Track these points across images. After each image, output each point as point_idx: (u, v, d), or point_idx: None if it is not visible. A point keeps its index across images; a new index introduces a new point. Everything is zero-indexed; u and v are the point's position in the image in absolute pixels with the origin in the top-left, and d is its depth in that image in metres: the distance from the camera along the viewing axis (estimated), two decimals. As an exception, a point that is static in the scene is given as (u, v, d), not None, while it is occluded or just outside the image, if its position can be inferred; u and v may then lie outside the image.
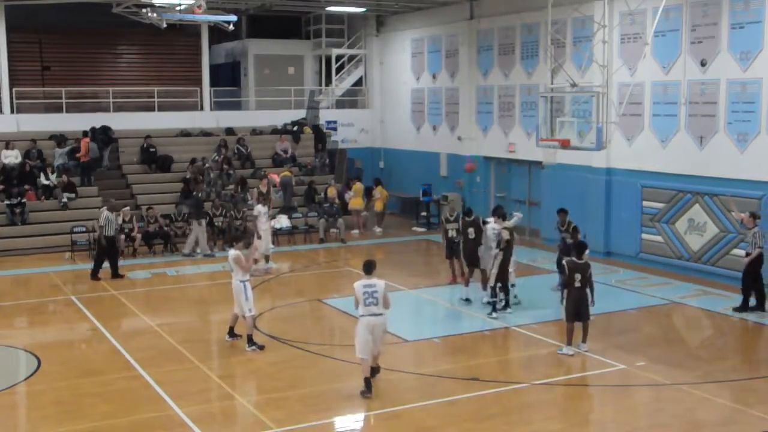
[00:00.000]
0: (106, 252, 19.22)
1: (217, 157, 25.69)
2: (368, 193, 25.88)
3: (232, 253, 13.67)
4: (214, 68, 30.10)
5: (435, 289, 17.28)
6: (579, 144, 18.29)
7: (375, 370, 11.89)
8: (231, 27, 24.76)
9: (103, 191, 24.30)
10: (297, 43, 31.94)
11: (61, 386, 12.14)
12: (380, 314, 11.55)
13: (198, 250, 21.54)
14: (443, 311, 16.12)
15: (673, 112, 19.08)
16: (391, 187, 27.63)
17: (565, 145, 17.93)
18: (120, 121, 26.26)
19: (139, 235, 21.71)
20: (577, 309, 13.38)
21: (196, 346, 14.04)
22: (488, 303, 15.83)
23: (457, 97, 26.40)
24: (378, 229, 25.27)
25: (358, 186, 25.27)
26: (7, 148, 23.98)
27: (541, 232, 23.16)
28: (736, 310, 15.77)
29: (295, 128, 28.43)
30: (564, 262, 13.82)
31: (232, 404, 11.54)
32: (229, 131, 27.68)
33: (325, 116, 29.86)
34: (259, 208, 19.79)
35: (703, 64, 18.31)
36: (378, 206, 25.49)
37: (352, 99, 31.52)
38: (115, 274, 19.22)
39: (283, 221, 23.65)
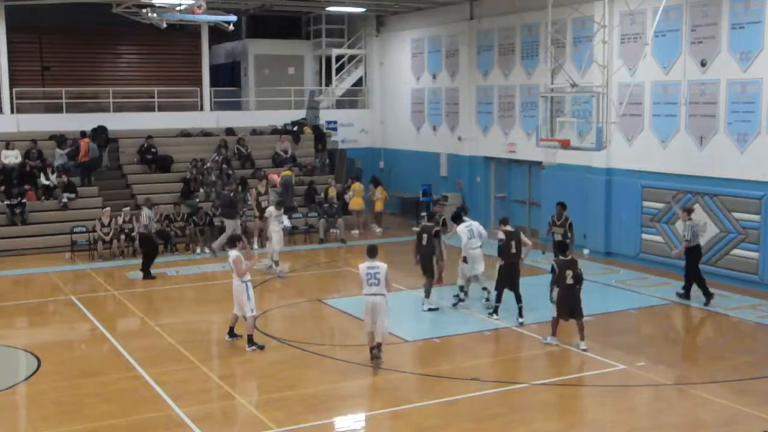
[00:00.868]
0: (147, 250, 19.23)
1: (217, 158, 25.69)
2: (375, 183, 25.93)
3: (233, 254, 13.68)
4: (214, 68, 30.09)
5: (434, 289, 17.22)
6: (579, 144, 18.31)
7: (378, 345, 12.78)
8: (231, 27, 24.74)
9: (103, 191, 24.32)
10: (297, 43, 31.94)
11: (61, 386, 12.15)
12: (382, 294, 12.57)
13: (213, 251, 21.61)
14: (443, 311, 16.10)
15: (673, 112, 19.08)
16: (391, 187, 27.63)
17: (565, 145, 17.95)
18: (120, 122, 26.25)
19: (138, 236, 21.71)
20: (571, 307, 13.46)
21: (196, 346, 14.04)
22: (429, 310, 16.00)
23: (457, 97, 26.40)
24: (378, 229, 25.27)
25: (358, 186, 25.26)
26: (7, 148, 23.97)
27: (540, 233, 23.10)
28: (679, 295, 16.72)
29: (295, 128, 28.42)
30: (553, 261, 13.89)
31: (232, 404, 11.54)
32: (229, 131, 27.68)
33: (325, 116, 29.86)
34: (271, 210, 19.55)
35: (703, 64, 18.31)
36: (378, 206, 25.50)
37: (352, 99, 31.52)
38: (147, 274, 19.21)
39: (284, 221, 23.62)
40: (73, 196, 23.54)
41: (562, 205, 17.70)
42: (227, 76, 31.96)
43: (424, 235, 15.83)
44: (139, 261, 20.21)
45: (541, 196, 23.19)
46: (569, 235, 17.17)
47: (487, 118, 25.39)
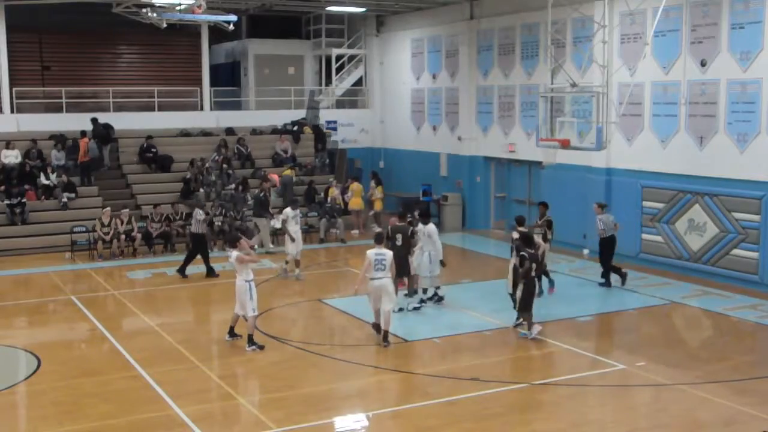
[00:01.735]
0: (198, 249, 19.19)
1: (217, 157, 25.69)
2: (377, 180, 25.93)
3: (234, 253, 13.69)
4: (214, 68, 30.09)
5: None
6: (579, 144, 18.33)
7: (385, 333, 13.71)
8: (231, 27, 24.75)
9: (103, 191, 24.32)
10: (297, 43, 31.93)
11: (60, 386, 12.14)
12: (387, 278, 13.70)
13: (262, 246, 21.66)
14: (443, 311, 16.11)
15: (673, 112, 19.08)
16: (391, 187, 27.62)
17: (565, 145, 17.95)
18: (120, 121, 26.23)
19: (139, 235, 21.73)
20: (532, 298, 13.94)
21: (195, 346, 14.04)
22: (415, 308, 16.02)
23: (457, 97, 26.40)
24: (378, 229, 25.22)
25: (356, 186, 25.25)
26: (7, 147, 23.97)
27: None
28: (600, 284, 17.74)
29: (295, 128, 28.42)
30: (523, 253, 14.11)
31: (231, 404, 11.53)
32: (229, 131, 27.68)
33: (325, 116, 29.86)
34: (288, 212, 19.15)
35: (703, 64, 18.31)
36: (377, 206, 25.49)
37: (352, 99, 31.52)
38: (211, 272, 19.16)
39: (274, 222, 23.62)
40: (73, 195, 23.54)
41: (544, 205, 17.71)
42: (227, 76, 31.96)
43: (399, 235, 15.83)
44: (139, 261, 20.28)
45: (541, 196, 23.12)
46: (549, 234, 17.16)
47: (487, 118, 25.39)
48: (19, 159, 23.92)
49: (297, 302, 17.28)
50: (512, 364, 13.46)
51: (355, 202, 25.04)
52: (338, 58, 30.68)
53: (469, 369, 12.73)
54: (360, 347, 13.97)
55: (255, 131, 28.24)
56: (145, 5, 22.78)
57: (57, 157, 24.42)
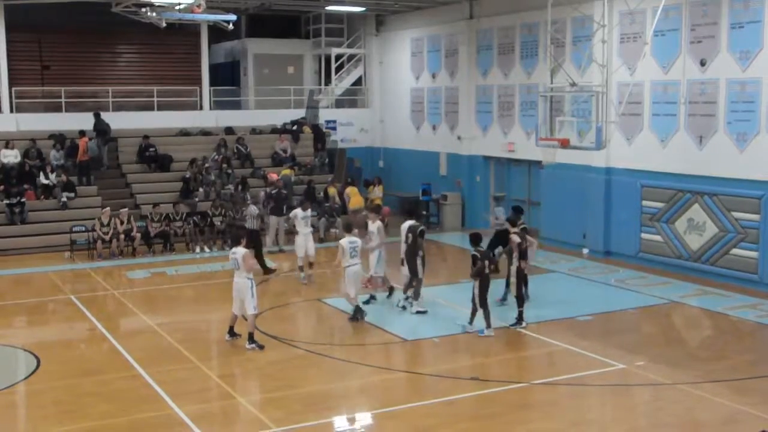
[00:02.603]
0: (255, 245, 18.98)
1: (216, 157, 25.68)
2: (366, 185, 25.84)
3: (240, 251, 13.68)
4: (213, 67, 30.08)
5: (435, 288, 17.25)
6: (578, 143, 18.32)
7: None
8: (230, 26, 24.73)
9: (102, 191, 24.32)
10: (296, 43, 31.92)
11: (60, 386, 12.14)
12: (359, 263, 14.99)
13: (278, 244, 21.86)
14: (443, 311, 16.09)
15: (672, 111, 19.07)
16: (390, 186, 27.61)
17: (564, 144, 17.93)
18: (119, 121, 26.22)
19: (138, 235, 21.74)
20: (487, 293, 14.21)
21: (195, 345, 14.03)
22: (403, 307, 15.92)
23: (457, 97, 26.40)
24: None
25: (352, 190, 25.11)
26: (6, 147, 23.96)
27: (540, 233, 23.11)
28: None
29: (295, 128, 28.42)
30: (474, 252, 14.28)
31: (231, 404, 11.53)
32: (229, 131, 27.67)
33: (324, 116, 29.86)
34: (297, 212, 18.85)
35: (702, 63, 18.31)
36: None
37: (351, 98, 31.50)
38: (266, 269, 19.17)
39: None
40: (72, 195, 23.53)
41: (517, 210, 16.68)
42: (227, 76, 31.95)
43: (410, 235, 15.75)
44: (138, 261, 20.27)
45: (541, 196, 23.20)
46: (524, 243, 15.40)
47: (486, 118, 25.39)
48: (19, 158, 23.92)
49: (297, 302, 17.28)
50: (512, 363, 13.46)
51: (356, 201, 25.01)
52: (338, 57, 30.67)
53: (468, 368, 12.74)
54: (360, 347, 13.97)
55: (254, 131, 28.24)
56: (145, 5, 22.75)
57: (56, 156, 24.41)
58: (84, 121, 25.28)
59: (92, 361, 13.59)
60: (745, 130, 17.54)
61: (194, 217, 22.68)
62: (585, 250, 21.27)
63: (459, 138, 26.39)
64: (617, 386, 12.09)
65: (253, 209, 19.67)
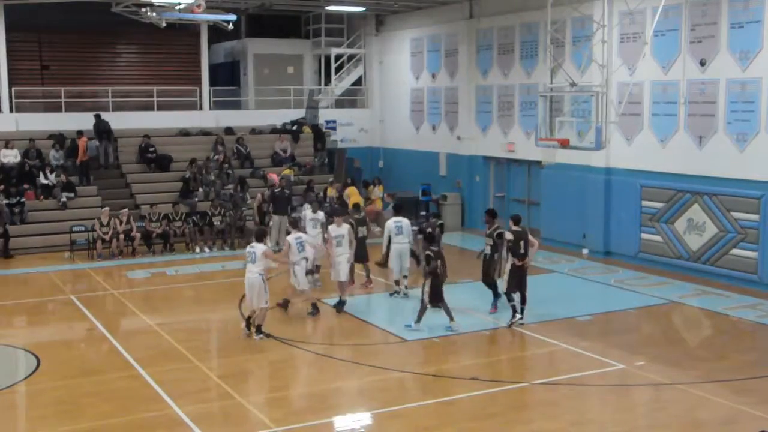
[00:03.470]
0: None
1: (216, 157, 25.68)
2: (366, 185, 25.83)
3: (260, 247, 14.10)
4: (213, 67, 30.06)
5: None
6: (578, 144, 18.32)
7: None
8: (230, 26, 24.74)
9: (102, 191, 24.31)
10: (296, 43, 31.91)
11: (60, 386, 12.14)
12: (347, 253, 15.88)
13: (279, 245, 21.44)
14: (442, 311, 16.08)
15: (672, 111, 19.08)
16: (390, 186, 27.60)
17: (564, 144, 17.95)
18: (119, 121, 26.21)
19: (138, 235, 21.74)
20: (440, 293, 14.33)
21: (195, 345, 14.04)
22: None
23: (457, 97, 26.40)
24: (377, 229, 25.21)
25: (352, 190, 25.08)
26: (6, 147, 23.95)
27: (540, 233, 23.12)
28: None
29: (295, 128, 28.42)
30: (428, 252, 14.46)
31: (231, 403, 11.52)
32: (229, 131, 27.67)
33: (324, 116, 29.85)
34: (307, 214, 18.30)
35: (702, 63, 18.31)
36: (377, 205, 25.46)
37: (351, 98, 31.50)
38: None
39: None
40: (72, 195, 23.53)
41: (490, 213, 16.05)
42: (226, 76, 31.94)
43: (419, 236, 16.15)
44: (138, 261, 20.21)
45: (541, 196, 23.20)
46: (497, 246, 15.28)
47: (486, 118, 25.39)
48: (18, 158, 23.91)
49: (296, 302, 17.25)
50: (511, 363, 13.47)
51: (356, 201, 24.95)
52: (337, 57, 30.66)
53: (468, 368, 12.74)
54: (360, 347, 13.98)
55: (254, 131, 28.23)
56: (145, 4, 22.76)
57: (56, 156, 24.41)
58: (84, 121, 25.28)
59: (92, 361, 13.59)
60: (744, 130, 17.54)
61: (194, 217, 22.70)
62: (585, 251, 21.27)
63: (459, 138, 26.39)
64: (617, 386, 12.09)
65: (309, 214, 18.10)
